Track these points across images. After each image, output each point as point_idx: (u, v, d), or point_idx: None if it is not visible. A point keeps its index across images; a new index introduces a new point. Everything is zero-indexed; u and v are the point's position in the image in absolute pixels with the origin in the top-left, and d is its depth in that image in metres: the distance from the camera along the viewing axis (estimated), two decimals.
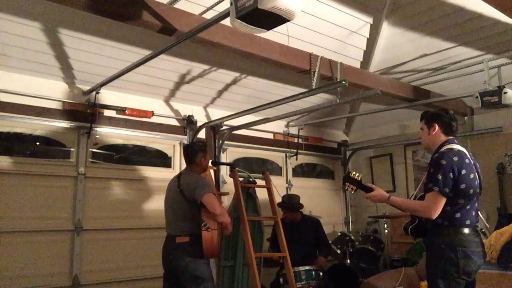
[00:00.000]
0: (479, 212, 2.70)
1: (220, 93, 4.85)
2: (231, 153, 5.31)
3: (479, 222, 2.68)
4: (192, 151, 3.55)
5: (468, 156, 2.63)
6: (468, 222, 2.52)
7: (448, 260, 2.47)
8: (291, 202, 4.72)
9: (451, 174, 2.48)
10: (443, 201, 2.49)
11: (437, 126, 2.71)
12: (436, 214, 2.49)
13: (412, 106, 4.92)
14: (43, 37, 3.49)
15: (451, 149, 2.60)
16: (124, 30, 3.47)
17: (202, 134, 4.92)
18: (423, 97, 4.77)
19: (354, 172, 2.80)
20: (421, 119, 2.84)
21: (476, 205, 2.61)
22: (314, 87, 3.78)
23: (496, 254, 3.63)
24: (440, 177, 2.47)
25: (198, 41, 3.16)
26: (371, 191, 2.73)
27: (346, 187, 2.81)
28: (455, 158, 2.53)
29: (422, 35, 4.44)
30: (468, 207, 2.54)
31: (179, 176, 3.49)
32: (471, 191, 2.54)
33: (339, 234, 5.40)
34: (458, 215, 2.51)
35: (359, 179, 2.77)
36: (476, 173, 2.63)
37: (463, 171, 2.51)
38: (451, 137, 2.71)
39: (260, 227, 4.44)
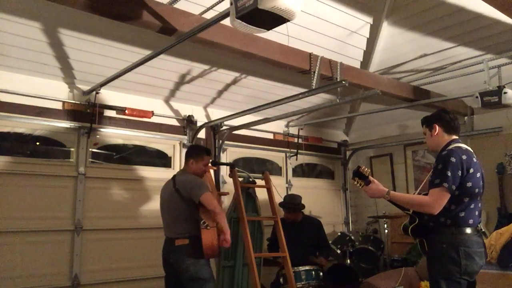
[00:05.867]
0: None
1: (220, 93, 4.85)
2: (231, 153, 5.31)
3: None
4: (187, 152, 3.66)
5: (475, 155, 2.63)
6: (471, 221, 2.51)
7: (450, 260, 2.46)
8: (293, 202, 4.71)
9: (460, 172, 2.48)
10: (447, 197, 2.48)
11: (437, 126, 2.71)
12: (439, 210, 2.48)
13: (412, 106, 4.92)
14: (43, 37, 3.49)
15: (460, 147, 2.60)
16: (124, 30, 3.46)
17: (202, 134, 4.92)
18: (423, 97, 4.77)
19: (363, 167, 2.74)
20: (422, 125, 2.84)
21: (480, 205, 2.61)
22: (314, 87, 3.78)
23: (496, 254, 3.64)
24: (449, 173, 2.47)
25: (198, 41, 3.16)
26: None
27: (356, 182, 2.76)
28: (464, 157, 2.53)
29: (422, 35, 4.44)
30: (472, 206, 2.53)
31: (174, 178, 3.51)
32: (476, 190, 2.54)
33: (339, 234, 5.39)
34: (462, 214, 2.51)
35: (367, 174, 2.71)
36: (481, 173, 2.63)
37: (471, 170, 2.52)
38: (455, 137, 2.70)
39: (260, 227, 4.44)
